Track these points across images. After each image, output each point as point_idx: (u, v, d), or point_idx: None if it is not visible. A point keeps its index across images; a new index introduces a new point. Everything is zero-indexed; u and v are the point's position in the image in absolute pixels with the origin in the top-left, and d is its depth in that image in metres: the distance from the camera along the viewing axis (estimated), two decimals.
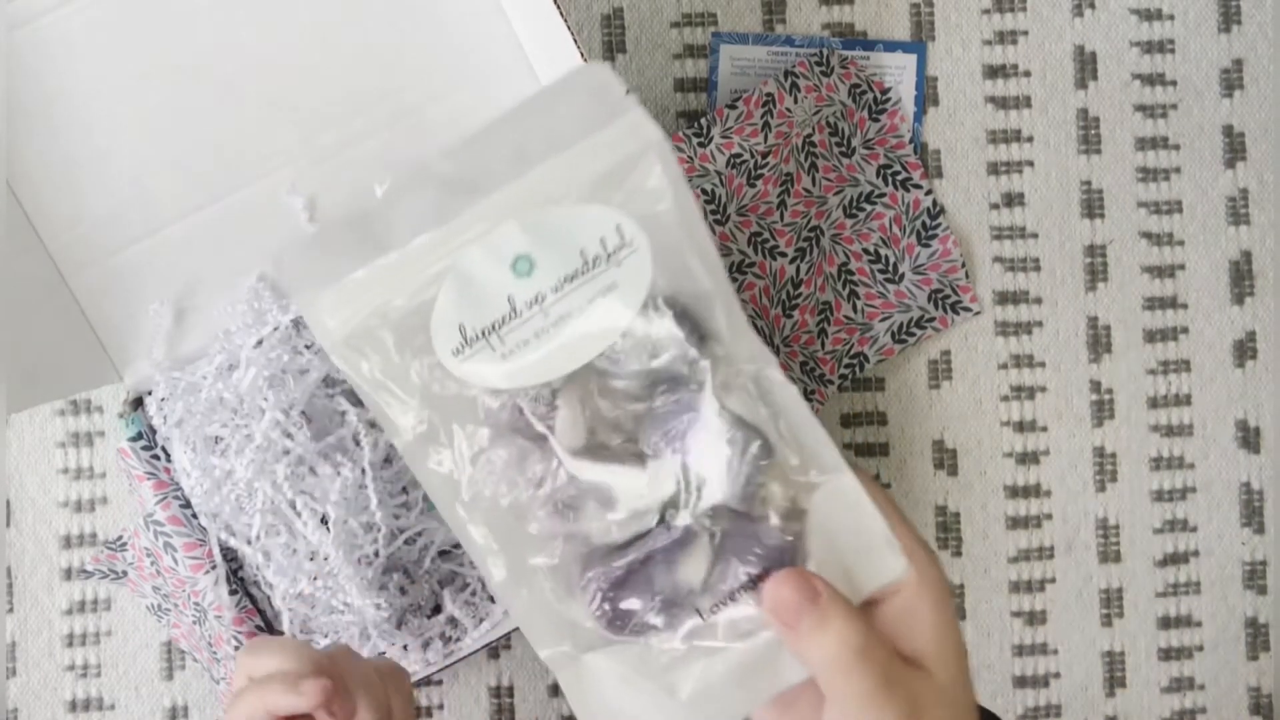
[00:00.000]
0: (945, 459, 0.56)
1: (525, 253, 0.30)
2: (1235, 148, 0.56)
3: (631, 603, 0.30)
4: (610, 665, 0.30)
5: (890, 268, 0.54)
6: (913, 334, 0.54)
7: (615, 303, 0.30)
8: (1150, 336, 0.56)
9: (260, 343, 0.45)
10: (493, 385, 0.30)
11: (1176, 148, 0.56)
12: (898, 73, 0.55)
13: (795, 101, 0.54)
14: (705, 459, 0.30)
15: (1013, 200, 0.56)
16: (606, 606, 0.30)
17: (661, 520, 0.30)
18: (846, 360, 0.54)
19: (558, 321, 0.30)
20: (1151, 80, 0.56)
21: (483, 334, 0.30)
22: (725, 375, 0.30)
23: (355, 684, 0.36)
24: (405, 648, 0.46)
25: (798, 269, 0.54)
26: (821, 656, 0.28)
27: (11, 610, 0.53)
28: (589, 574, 0.30)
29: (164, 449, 0.46)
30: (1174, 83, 0.56)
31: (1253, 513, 0.56)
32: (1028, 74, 0.56)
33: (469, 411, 0.30)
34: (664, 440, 0.30)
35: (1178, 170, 0.56)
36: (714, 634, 0.30)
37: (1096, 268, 0.56)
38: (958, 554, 0.56)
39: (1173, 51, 0.56)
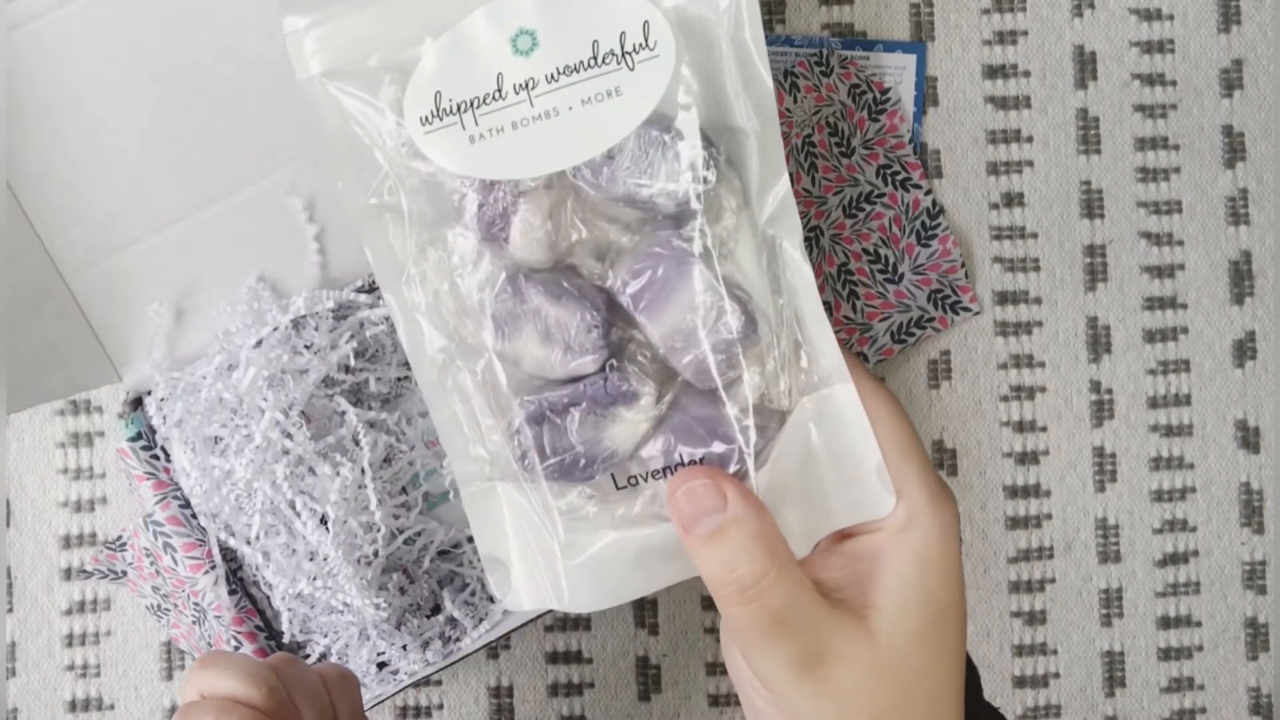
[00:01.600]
0: (944, 459, 0.56)
1: (531, 28, 0.25)
2: (1235, 148, 0.56)
3: (549, 445, 0.26)
4: (517, 501, 0.27)
5: (890, 268, 0.54)
6: (912, 334, 0.54)
7: (613, 111, 0.25)
8: (1150, 336, 0.56)
9: (260, 343, 0.45)
10: (450, 169, 0.26)
11: (1176, 148, 0.56)
12: (897, 73, 0.55)
13: (795, 101, 0.54)
14: (673, 317, 0.26)
15: (1012, 200, 0.56)
16: (522, 440, 0.26)
17: (603, 369, 0.26)
18: None
19: (542, 116, 0.25)
20: (1151, 80, 0.56)
21: (457, 108, 0.26)
22: (731, 229, 0.26)
23: (300, 696, 0.35)
24: (405, 648, 0.46)
25: None
26: (707, 573, 0.25)
27: (11, 610, 0.53)
28: (515, 401, 0.26)
29: (163, 449, 0.46)
30: (1174, 83, 0.56)
31: (1252, 513, 0.56)
32: (1027, 74, 0.56)
33: (432, 191, 0.26)
34: (633, 281, 0.26)
35: (1177, 170, 0.56)
36: (630, 506, 0.27)
37: (1096, 268, 0.56)
38: None
39: (1172, 51, 0.56)
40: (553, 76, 0.25)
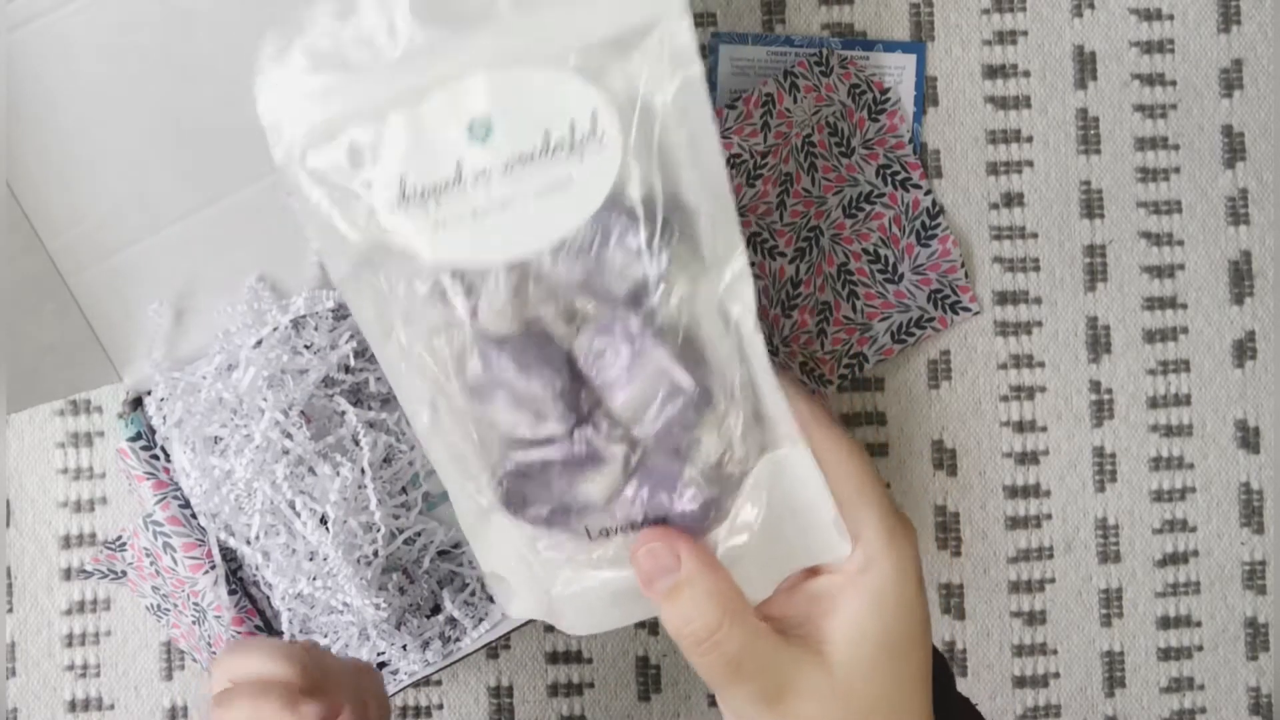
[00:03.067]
0: (944, 459, 0.56)
1: (485, 116, 0.26)
2: (1235, 148, 0.56)
3: (528, 497, 0.28)
4: (512, 532, 0.29)
5: (889, 268, 0.54)
6: (912, 334, 0.54)
7: (564, 202, 0.26)
8: (1150, 336, 0.56)
9: (259, 343, 0.45)
10: (418, 253, 0.26)
11: (1176, 148, 0.56)
12: (897, 73, 0.55)
13: (795, 101, 0.54)
14: (631, 392, 0.27)
15: (1012, 200, 0.56)
16: (504, 490, 0.28)
17: (572, 434, 0.28)
18: (846, 360, 0.54)
19: (499, 205, 0.26)
20: (1151, 80, 0.56)
21: (421, 194, 0.26)
22: (687, 304, 0.27)
23: (332, 678, 0.35)
24: (405, 648, 0.46)
25: (797, 269, 0.54)
26: (667, 626, 0.28)
27: (11, 610, 0.53)
28: (494, 454, 0.28)
29: (163, 449, 0.46)
30: (1173, 83, 0.56)
31: (1252, 513, 0.56)
32: (1027, 74, 0.56)
33: (408, 264, 0.27)
34: (591, 358, 0.27)
35: (1177, 170, 0.56)
36: (606, 550, 0.28)
37: (1096, 268, 0.56)
38: (957, 554, 0.56)
39: (1172, 51, 0.56)
40: (508, 167, 0.26)
